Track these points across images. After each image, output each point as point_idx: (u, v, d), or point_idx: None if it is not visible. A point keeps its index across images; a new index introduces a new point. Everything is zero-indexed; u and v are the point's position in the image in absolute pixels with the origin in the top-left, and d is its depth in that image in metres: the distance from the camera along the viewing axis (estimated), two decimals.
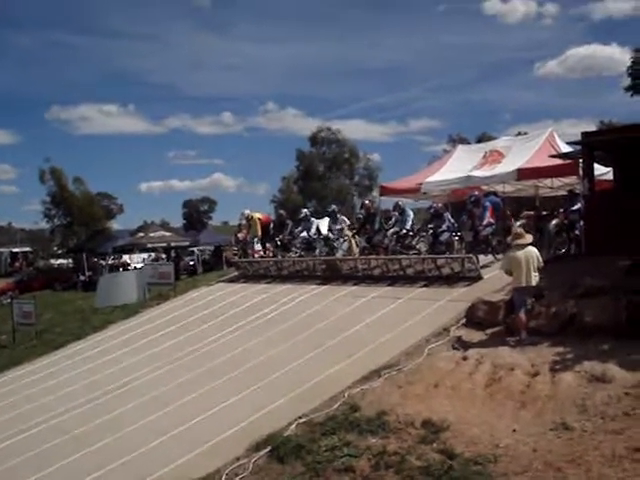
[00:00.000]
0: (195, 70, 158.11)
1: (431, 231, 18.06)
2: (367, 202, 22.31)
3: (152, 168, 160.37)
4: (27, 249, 65.97)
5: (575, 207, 16.81)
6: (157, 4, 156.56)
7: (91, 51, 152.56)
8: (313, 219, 22.41)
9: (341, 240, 21.08)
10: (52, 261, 53.19)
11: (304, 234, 21.67)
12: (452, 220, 18.23)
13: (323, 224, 22.40)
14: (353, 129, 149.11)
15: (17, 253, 65.64)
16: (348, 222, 22.10)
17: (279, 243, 22.18)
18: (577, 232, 16.80)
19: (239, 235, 24.03)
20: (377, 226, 19.75)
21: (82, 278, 36.88)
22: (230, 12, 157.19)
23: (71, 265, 45.96)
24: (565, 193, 19.65)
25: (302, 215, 22.53)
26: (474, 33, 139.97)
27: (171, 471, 9.18)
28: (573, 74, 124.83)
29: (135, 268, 34.17)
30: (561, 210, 17.44)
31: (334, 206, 23.03)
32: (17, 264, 59.58)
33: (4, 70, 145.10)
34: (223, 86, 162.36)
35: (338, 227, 21.29)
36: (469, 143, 42.52)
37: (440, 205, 18.88)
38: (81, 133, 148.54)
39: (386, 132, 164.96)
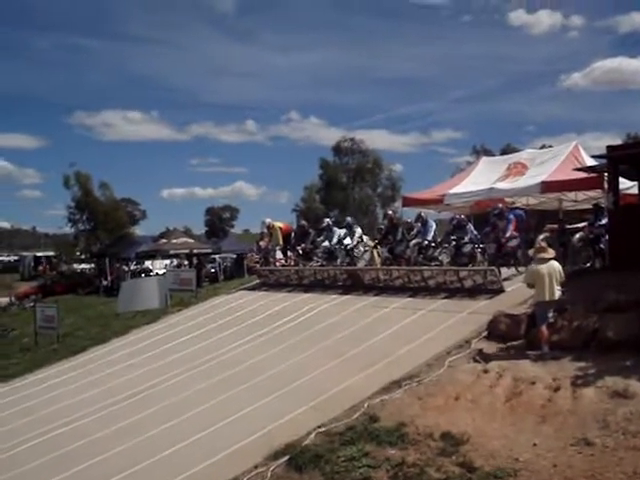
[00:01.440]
0: (218, 77, 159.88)
1: (454, 243, 17.99)
2: (390, 212, 22.34)
3: (175, 175, 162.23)
4: (51, 253, 66.27)
5: (602, 222, 16.67)
6: (181, 11, 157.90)
7: (114, 57, 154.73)
8: (335, 229, 22.39)
9: (361, 250, 21.09)
10: (75, 266, 53.54)
11: (326, 243, 21.67)
12: (475, 232, 18.16)
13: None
14: (375, 139, 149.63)
15: (41, 257, 66.05)
16: (360, 232, 22.10)
17: (301, 252, 22.18)
18: (602, 246, 16.68)
19: (261, 243, 24.04)
20: (399, 237, 19.73)
21: (104, 283, 37.18)
22: (254, 20, 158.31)
23: (94, 270, 46.26)
24: (589, 206, 19.52)
25: (324, 224, 22.50)
26: (499, 44, 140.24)
27: (189, 477, 9.17)
28: (598, 87, 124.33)
29: (157, 274, 34.30)
30: (585, 224, 17.31)
31: (349, 218, 23.06)
32: (40, 268, 59.96)
33: (27, 74, 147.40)
34: (246, 94, 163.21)
35: (356, 236, 21.35)
36: (493, 155, 42.29)
37: (463, 217, 18.80)
38: (105, 139, 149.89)
39: (409, 143, 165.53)
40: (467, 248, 17.66)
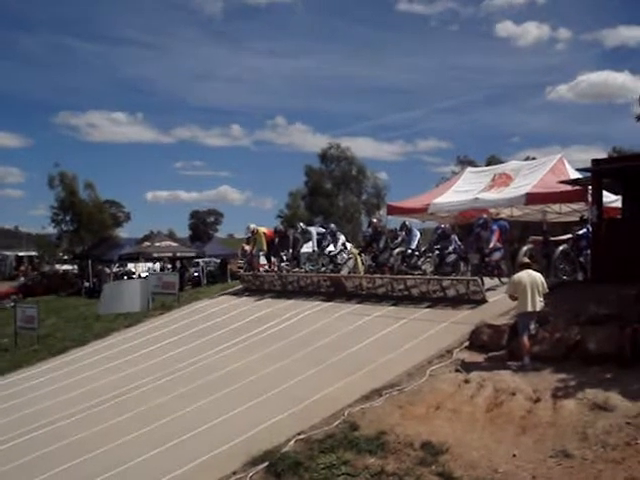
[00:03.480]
0: (204, 81, 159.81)
1: (437, 252, 18.00)
2: (375, 220, 22.35)
3: (159, 177, 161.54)
4: (33, 253, 65.94)
5: (581, 232, 16.77)
6: (168, 14, 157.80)
7: (101, 58, 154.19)
8: (310, 228, 22.47)
9: (344, 257, 21.07)
10: (57, 266, 53.21)
11: (306, 249, 21.69)
12: (459, 242, 18.19)
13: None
14: (361, 147, 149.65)
15: (22, 257, 65.71)
16: (344, 239, 22.09)
17: (284, 258, 22.11)
18: (582, 259, 16.77)
19: (246, 248, 23.93)
20: (383, 245, 19.73)
21: (86, 285, 36.93)
22: (241, 24, 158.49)
23: (76, 271, 46.00)
24: (573, 219, 19.63)
25: (299, 230, 22.48)
26: (485, 55, 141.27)
27: None
28: (584, 100, 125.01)
29: (139, 277, 34.14)
30: (570, 236, 17.39)
31: (332, 225, 23.02)
32: (22, 268, 59.56)
33: (13, 72, 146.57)
34: (232, 98, 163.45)
35: (339, 243, 21.36)
36: (477, 166, 42.41)
37: (447, 226, 18.83)
38: (90, 140, 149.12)
39: (394, 151, 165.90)
40: (451, 258, 17.66)
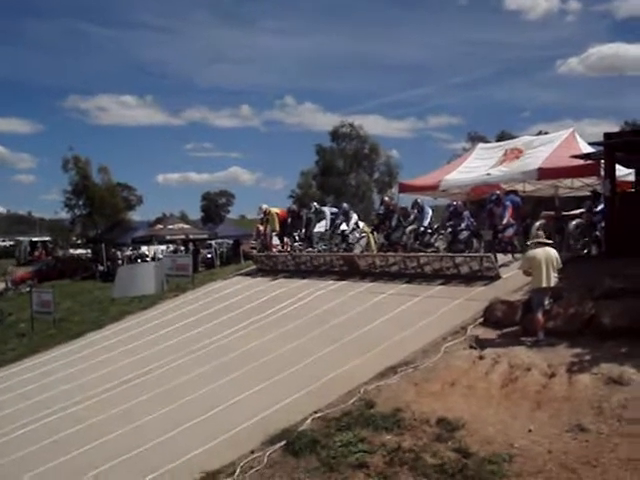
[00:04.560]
0: (213, 62, 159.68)
1: (450, 229, 17.98)
2: (387, 198, 22.32)
3: (169, 160, 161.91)
4: (47, 238, 66.05)
5: (599, 208, 16.67)
6: None
7: (109, 42, 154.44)
8: (324, 208, 22.51)
9: (357, 236, 21.08)
10: (71, 251, 53.39)
11: (319, 229, 21.75)
12: (471, 219, 18.14)
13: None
14: (371, 125, 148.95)
15: (37, 242, 65.88)
16: (356, 218, 22.08)
17: (297, 238, 22.15)
18: (597, 233, 16.70)
19: (261, 228, 23.90)
20: (395, 223, 19.71)
21: (101, 268, 37.05)
22: (249, 5, 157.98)
23: (90, 255, 46.11)
24: (585, 193, 19.54)
25: (313, 210, 22.53)
26: (495, 29, 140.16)
27: (185, 462, 9.19)
28: (595, 73, 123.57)
29: (153, 259, 34.24)
30: (582, 210, 17.31)
31: (345, 204, 22.99)
32: (36, 253, 59.71)
33: (22, 58, 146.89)
34: (241, 79, 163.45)
35: (352, 222, 21.38)
36: (488, 141, 42.14)
37: (460, 203, 18.77)
38: (99, 123, 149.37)
39: (405, 128, 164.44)
40: (464, 235, 17.64)
